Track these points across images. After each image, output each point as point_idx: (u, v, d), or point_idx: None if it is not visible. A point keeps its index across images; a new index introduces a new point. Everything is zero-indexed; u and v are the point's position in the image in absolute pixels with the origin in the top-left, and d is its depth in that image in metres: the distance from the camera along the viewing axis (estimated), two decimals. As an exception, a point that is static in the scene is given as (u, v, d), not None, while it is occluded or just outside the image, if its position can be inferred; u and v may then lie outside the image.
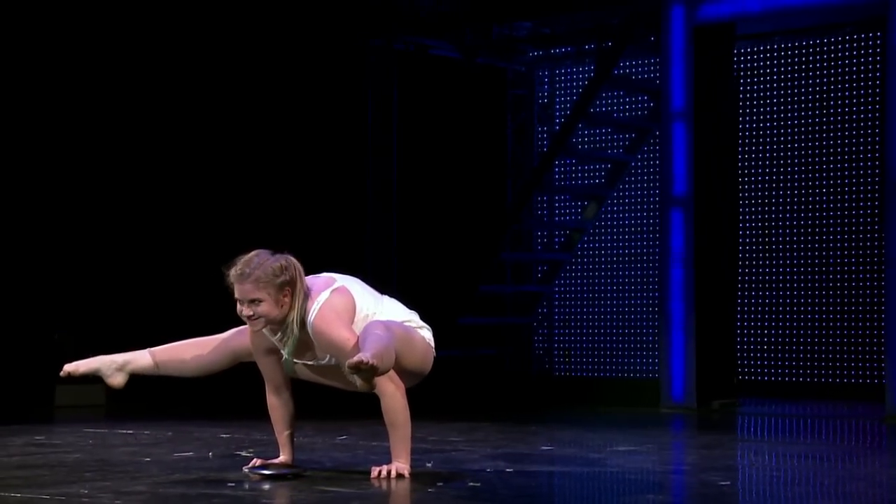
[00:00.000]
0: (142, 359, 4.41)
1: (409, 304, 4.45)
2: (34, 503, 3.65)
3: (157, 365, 4.41)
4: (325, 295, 4.15)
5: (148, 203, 8.67)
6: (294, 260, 4.17)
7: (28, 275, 8.24)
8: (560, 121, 10.19)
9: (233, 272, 4.12)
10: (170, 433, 5.90)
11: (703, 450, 5.50)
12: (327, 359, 4.20)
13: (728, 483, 4.20)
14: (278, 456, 4.35)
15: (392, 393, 4.11)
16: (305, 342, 4.18)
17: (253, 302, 4.10)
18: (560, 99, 10.42)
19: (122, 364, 4.39)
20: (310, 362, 4.23)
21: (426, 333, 4.31)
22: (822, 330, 9.15)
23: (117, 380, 4.37)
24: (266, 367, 4.32)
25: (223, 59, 8.87)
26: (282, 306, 4.11)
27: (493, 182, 10.22)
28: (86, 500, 3.71)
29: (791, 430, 6.90)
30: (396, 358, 4.09)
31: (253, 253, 4.16)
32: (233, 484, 4.06)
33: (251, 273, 4.09)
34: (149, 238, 8.64)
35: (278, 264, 4.11)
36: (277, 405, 4.34)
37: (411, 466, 4.18)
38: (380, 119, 9.49)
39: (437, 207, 9.69)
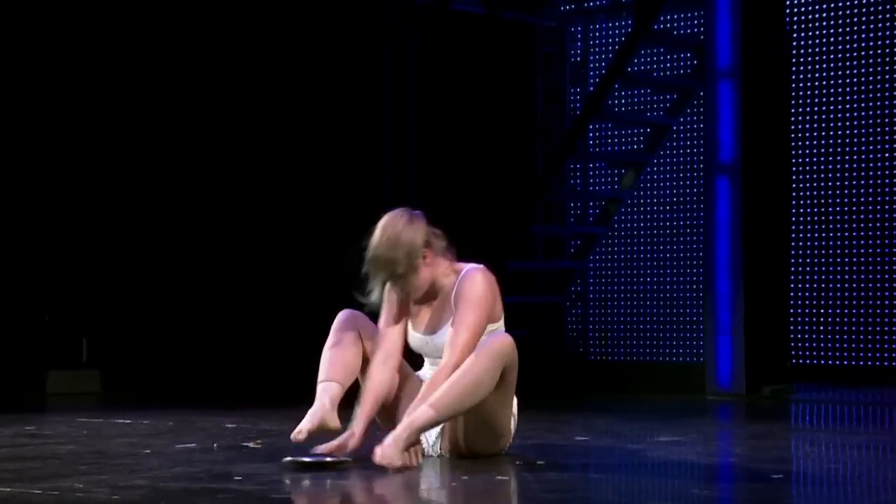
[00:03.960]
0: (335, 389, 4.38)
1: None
2: (25, 498, 3.67)
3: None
4: (481, 267, 4.41)
5: (139, 179, 8.68)
6: (419, 224, 4.35)
7: (18, 256, 8.28)
8: (594, 81, 10.15)
9: (367, 256, 4.34)
10: (171, 423, 5.93)
11: (752, 440, 5.49)
12: (441, 330, 4.33)
13: (781, 476, 4.19)
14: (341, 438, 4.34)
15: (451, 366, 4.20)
16: (433, 309, 4.39)
17: (394, 280, 4.35)
18: (594, 57, 10.38)
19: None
20: (419, 334, 4.41)
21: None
22: (884, 309, 9.09)
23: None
24: (387, 325, 4.42)
25: (231, 17, 8.87)
26: (425, 267, 4.32)
27: (521, 148, 10.20)
28: (80, 494, 3.73)
29: (850, 418, 6.88)
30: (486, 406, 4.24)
31: (382, 229, 4.33)
32: (240, 478, 4.07)
33: (375, 256, 4.31)
34: (140, 216, 8.66)
35: (397, 242, 4.30)
36: (376, 375, 4.39)
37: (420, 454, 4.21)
38: (398, 80, 9.47)
39: (461, 176, 9.67)
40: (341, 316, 4.48)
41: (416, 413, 4.18)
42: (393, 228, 4.34)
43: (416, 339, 4.46)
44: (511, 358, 4.26)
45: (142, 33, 8.63)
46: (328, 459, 4.24)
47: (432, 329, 4.41)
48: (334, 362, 4.41)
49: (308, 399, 4.43)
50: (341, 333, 4.44)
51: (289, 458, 4.24)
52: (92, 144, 8.48)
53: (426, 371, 4.51)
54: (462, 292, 4.34)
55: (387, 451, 4.14)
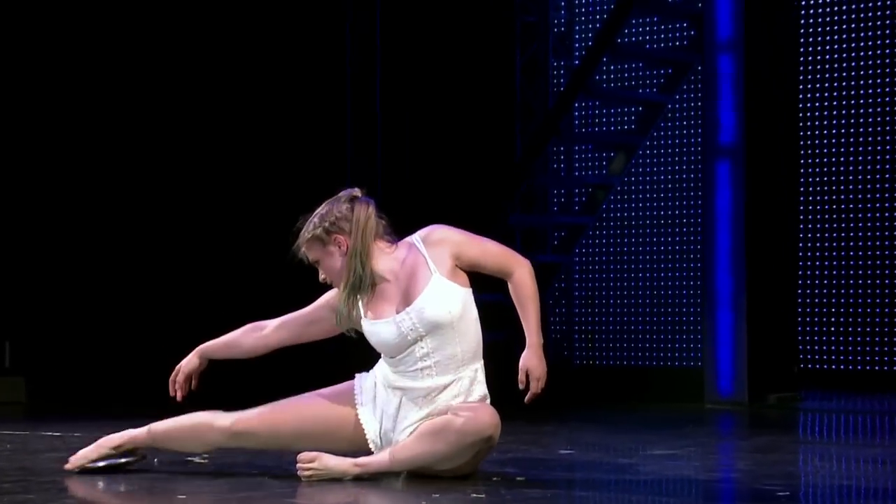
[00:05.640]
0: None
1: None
2: (-59, 520, 3.66)
3: None
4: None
5: (62, 172, 8.66)
6: (351, 196, 4.42)
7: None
8: (580, 54, 10.16)
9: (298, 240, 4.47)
10: (104, 436, 5.90)
11: (756, 453, 5.52)
12: (420, 297, 4.32)
13: (787, 494, 4.22)
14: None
15: (530, 269, 4.41)
16: (399, 287, 4.38)
17: (316, 263, 4.44)
18: (580, 27, 10.40)
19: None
20: (393, 317, 4.35)
21: None
22: (901, 308, 9.16)
23: None
24: (316, 308, 4.54)
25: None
26: (339, 255, 4.38)
27: (498, 129, 10.20)
28: (4, 516, 3.72)
29: (863, 429, 6.92)
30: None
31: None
32: (183, 496, 4.07)
33: (301, 236, 4.43)
34: (65, 211, 8.65)
35: (317, 217, 4.40)
36: (236, 337, 4.60)
37: None
38: (361, 51, 9.46)
39: (430, 159, 9.68)
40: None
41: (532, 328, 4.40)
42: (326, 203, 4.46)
43: (388, 326, 4.35)
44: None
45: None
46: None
47: (407, 301, 4.36)
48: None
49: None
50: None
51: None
52: (11, 140, 8.46)
53: (382, 370, 4.48)
54: (445, 237, 4.41)
55: (536, 361, 4.38)
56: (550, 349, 10.24)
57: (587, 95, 9.80)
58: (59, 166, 8.61)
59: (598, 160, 10.28)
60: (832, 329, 9.37)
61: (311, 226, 4.39)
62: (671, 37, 10.06)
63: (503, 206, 9.46)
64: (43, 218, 8.56)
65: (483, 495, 4.13)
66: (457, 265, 4.38)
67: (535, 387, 4.36)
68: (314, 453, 4.36)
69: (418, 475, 4.33)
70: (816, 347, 9.40)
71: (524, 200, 10.03)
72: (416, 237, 4.44)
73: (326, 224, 4.37)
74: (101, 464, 4.53)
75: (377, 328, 4.37)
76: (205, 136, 9.08)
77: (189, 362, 4.61)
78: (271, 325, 4.60)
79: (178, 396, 4.59)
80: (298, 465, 4.35)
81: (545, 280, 10.12)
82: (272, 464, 4.72)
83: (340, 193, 4.46)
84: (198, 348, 4.64)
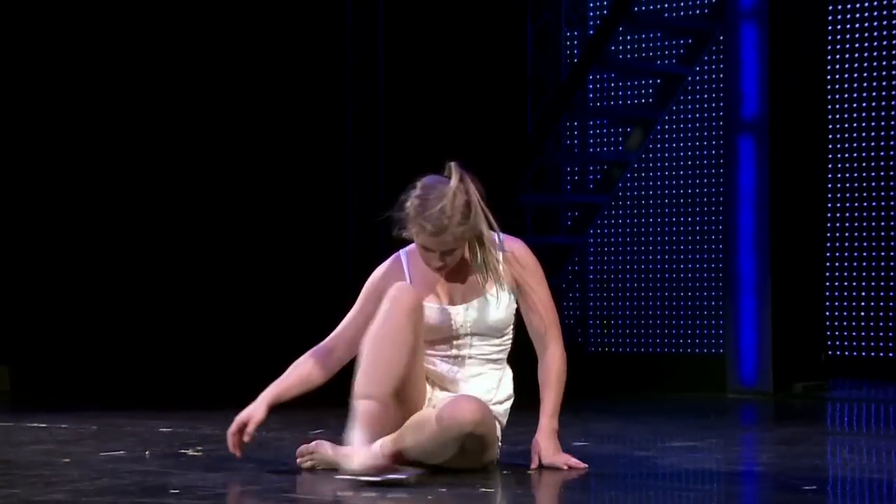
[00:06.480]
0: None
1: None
2: (-80, 516, 3.67)
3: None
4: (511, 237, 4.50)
5: (49, 163, 8.69)
6: (469, 184, 4.38)
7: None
8: (595, 23, 10.15)
9: (427, 225, 4.27)
10: (94, 427, 5.93)
11: (781, 446, 5.52)
12: (478, 299, 4.38)
13: (814, 488, 4.21)
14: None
15: (564, 353, 4.51)
16: (460, 279, 4.41)
17: (447, 254, 4.34)
18: (595, -6, 10.39)
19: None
20: (440, 305, 4.40)
21: None
22: (935, 292, 9.15)
23: None
24: (369, 303, 4.43)
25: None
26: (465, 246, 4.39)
27: (508, 103, 10.20)
28: (-13, 511, 3.73)
29: (894, 419, 6.91)
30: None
31: (433, 190, 4.35)
32: (177, 491, 4.07)
33: (447, 225, 4.29)
34: (50, 199, 8.68)
35: (460, 202, 4.31)
36: (308, 371, 4.45)
37: None
38: (362, 20, 9.45)
39: (437, 136, 9.66)
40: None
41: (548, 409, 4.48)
42: (457, 193, 4.35)
43: (438, 313, 4.39)
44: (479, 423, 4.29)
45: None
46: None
47: (465, 296, 4.42)
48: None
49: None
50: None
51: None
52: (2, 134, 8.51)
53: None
54: (527, 264, 4.48)
55: (552, 447, 4.43)
56: (564, 336, 10.25)
57: (602, 67, 9.79)
58: (46, 157, 8.63)
59: (614, 136, 10.27)
60: (861, 314, 9.36)
61: (460, 213, 4.29)
62: (691, 4, 10.04)
63: (514, 185, 9.46)
64: (27, 208, 8.57)
65: (493, 489, 4.13)
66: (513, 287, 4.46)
67: (562, 462, 4.43)
68: (313, 443, 4.39)
69: (432, 469, 4.34)
70: (845, 334, 9.40)
71: (535, 179, 10.03)
72: (506, 242, 4.46)
73: (479, 209, 4.33)
74: (378, 479, 4.11)
75: (426, 311, 4.39)
76: (203, 130, 9.07)
77: (259, 414, 4.42)
78: (339, 345, 4.48)
79: (239, 454, 4.43)
80: (298, 455, 4.41)
81: (558, 263, 10.13)
82: (270, 457, 4.73)
83: (454, 171, 4.40)
84: (264, 397, 4.45)
